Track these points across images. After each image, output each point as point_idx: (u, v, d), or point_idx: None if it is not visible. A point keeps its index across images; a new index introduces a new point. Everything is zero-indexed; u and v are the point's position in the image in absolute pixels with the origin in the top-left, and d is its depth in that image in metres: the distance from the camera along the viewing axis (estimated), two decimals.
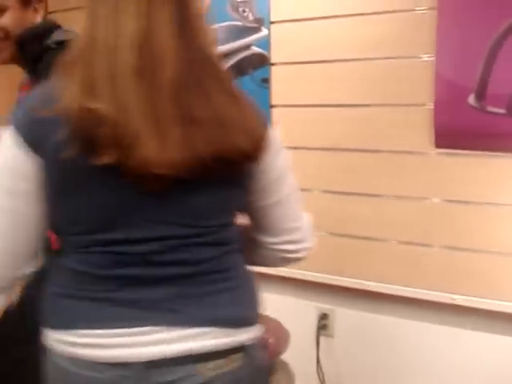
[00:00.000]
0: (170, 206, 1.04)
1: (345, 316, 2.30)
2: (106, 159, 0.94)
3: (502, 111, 1.84)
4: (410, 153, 2.05)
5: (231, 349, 1.11)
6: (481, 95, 1.86)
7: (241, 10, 2.30)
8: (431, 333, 2.13)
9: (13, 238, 1.04)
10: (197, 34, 1.02)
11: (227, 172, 1.05)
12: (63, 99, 0.94)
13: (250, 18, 2.28)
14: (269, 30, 2.27)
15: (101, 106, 0.93)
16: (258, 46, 2.29)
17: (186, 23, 1.00)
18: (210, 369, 1.09)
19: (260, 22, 2.27)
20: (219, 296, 1.12)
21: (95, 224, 1.04)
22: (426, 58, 1.98)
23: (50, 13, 2.95)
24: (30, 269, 1.09)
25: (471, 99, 1.87)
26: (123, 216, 1.03)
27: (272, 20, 2.26)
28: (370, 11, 2.06)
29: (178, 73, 0.97)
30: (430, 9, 1.94)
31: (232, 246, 1.15)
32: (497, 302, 1.95)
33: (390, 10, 2.02)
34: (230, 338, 1.11)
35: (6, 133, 1.00)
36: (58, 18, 2.92)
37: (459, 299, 2.01)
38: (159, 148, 0.94)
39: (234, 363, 1.12)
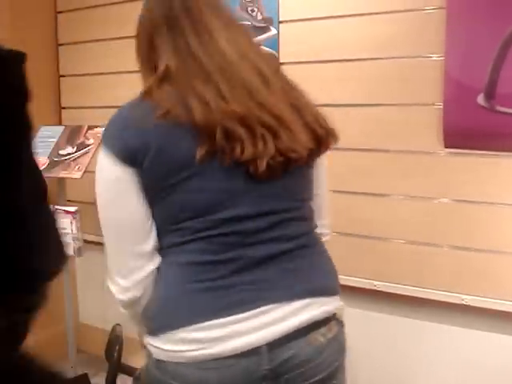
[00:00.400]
0: (274, 183, 1.14)
1: (352, 315, 2.30)
2: (246, 154, 1.07)
3: (511, 111, 1.83)
4: (419, 153, 2.05)
5: (330, 316, 1.21)
6: (490, 95, 1.85)
7: (249, 9, 2.30)
8: (439, 333, 2.13)
9: (132, 240, 1.13)
10: (263, 53, 1.25)
11: (316, 156, 1.22)
12: (190, 106, 1.07)
13: (259, 17, 2.29)
14: (277, 29, 2.27)
15: (239, 108, 1.08)
16: (266, 46, 2.29)
17: (256, 46, 1.24)
18: (318, 337, 1.17)
19: (269, 22, 2.28)
20: (316, 268, 1.23)
21: (208, 207, 1.11)
22: (435, 58, 1.97)
23: (60, 12, 2.97)
24: (151, 267, 1.15)
25: (480, 99, 1.87)
26: (235, 197, 1.12)
27: (281, 19, 2.26)
28: (379, 11, 2.06)
29: (279, 81, 1.18)
30: (438, 8, 1.94)
31: (313, 223, 1.27)
32: (506, 302, 1.95)
33: (399, 9, 2.02)
34: (330, 306, 1.20)
35: (101, 153, 1.12)
36: (66, 18, 2.95)
37: (468, 299, 2.01)
38: (293, 136, 1.12)
39: (333, 329, 1.21)
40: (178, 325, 1.09)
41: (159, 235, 1.15)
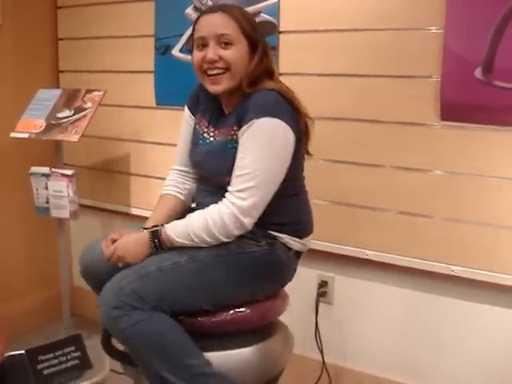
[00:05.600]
0: None
1: (344, 284, 2.34)
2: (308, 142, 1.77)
3: (508, 85, 1.84)
4: (415, 124, 2.06)
5: None
6: (487, 69, 1.86)
7: None
8: (428, 302, 2.17)
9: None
10: None
11: None
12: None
13: None
14: None
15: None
16: (267, 14, 2.28)
17: None
18: None
19: None
20: None
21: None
22: (435, 31, 1.97)
23: (60, 8, 2.93)
24: None
25: (478, 72, 1.88)
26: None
27: None
28: None
29: None
30: None
31: None
32: (495, 274, 1.98)
33: None
34: None
35: (274, 123, 1.59)
36: (67, 13, 2.91)
37: (458, 270, 2.04)
38: None
39: None
40: (311, 231, 1.83)
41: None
